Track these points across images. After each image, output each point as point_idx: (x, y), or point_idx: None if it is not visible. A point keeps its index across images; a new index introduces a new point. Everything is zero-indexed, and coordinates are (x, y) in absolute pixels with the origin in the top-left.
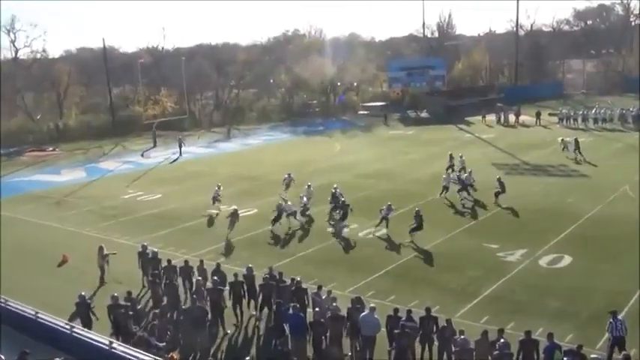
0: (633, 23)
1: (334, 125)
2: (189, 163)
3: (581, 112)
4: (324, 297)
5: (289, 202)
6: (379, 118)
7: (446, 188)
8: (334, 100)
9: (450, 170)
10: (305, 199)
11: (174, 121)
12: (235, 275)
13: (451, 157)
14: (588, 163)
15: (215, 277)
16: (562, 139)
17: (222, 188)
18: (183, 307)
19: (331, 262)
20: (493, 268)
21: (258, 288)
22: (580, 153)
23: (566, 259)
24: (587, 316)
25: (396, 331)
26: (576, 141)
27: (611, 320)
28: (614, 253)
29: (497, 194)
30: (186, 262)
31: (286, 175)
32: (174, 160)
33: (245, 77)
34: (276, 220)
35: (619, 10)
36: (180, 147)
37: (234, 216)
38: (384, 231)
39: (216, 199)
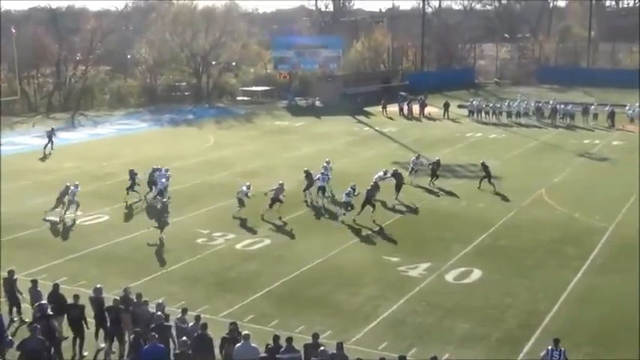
0: (551, 5)
1: (207, 113)
2: (20, 156)
3: (492, 105)
4: (191, 324)
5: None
6: (262, 105)
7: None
8: (208, 81)
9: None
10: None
11: (1, 103)
12: (76, 297)
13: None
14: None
15: (43, 302)
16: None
17: None
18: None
19: (202, 281)
20: (393, 285)
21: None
22: (412, 174)
23: (476, 274)
24: (499, 338)
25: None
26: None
27: (550, 348)
28: (529, 265)
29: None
30: (10, 272)
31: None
32: (46, 156)
33: (95, 51)
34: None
35: None
36: (49, 139)
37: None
38: (267, 242)
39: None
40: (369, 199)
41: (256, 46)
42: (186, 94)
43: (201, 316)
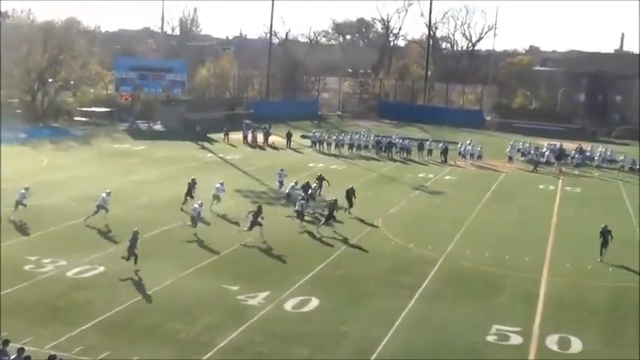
0: (392, 43)
1: (41, 133)
2: None
3: (335, 137)
4: (12, 356)
5: None
6: (101, 126)
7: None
8: (43, 100)
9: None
10: None
11: None
12: None
13: None
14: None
15: None
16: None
17: None
18: None
19: (27, 310)
20: (232, 314)
21: None
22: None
23: (314, 302)
24: None
25: None
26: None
27: None
28: (365, 294)
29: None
30: None
31: None
32: None
33: None
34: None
35: (379, 27)
36: None
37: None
38: (101, 269)
39: None
40: (332, 213)
41: (97, 66)
42: (18, 111)
43: (25, 348)
